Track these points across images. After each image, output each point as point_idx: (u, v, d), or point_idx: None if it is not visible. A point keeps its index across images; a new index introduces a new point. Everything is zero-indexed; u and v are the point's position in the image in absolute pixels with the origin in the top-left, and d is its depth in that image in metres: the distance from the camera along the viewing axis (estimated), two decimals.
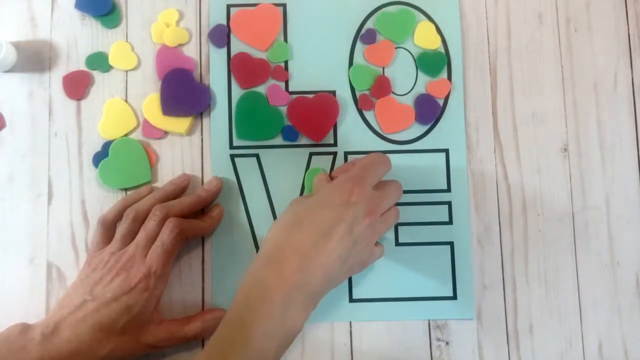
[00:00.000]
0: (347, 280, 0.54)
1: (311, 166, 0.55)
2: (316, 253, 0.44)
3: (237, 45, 0.56)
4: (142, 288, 0.47)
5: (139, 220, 0.50)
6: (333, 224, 0.45)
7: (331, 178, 0.52)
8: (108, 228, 0.52)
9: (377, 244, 0.50)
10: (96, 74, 0.55)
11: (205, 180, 0.55)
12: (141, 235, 0.49)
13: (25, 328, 0.46)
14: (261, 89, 0.56)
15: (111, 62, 0.55)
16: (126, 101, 0.55)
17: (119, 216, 0.52)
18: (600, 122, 0.56)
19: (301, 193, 0.55)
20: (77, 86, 0.55)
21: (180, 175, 0.54)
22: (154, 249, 0.49)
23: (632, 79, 0.57)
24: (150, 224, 0.50)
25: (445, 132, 0.56)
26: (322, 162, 0.55)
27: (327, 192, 0.47)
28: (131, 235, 0.50)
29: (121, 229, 0.50)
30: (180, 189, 0.53)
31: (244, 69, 0.56)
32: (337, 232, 0.45)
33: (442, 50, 0.57)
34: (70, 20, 0.56)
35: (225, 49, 0.56)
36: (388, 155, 0.55)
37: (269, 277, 0.44)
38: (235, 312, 0.44)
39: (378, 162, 0.50)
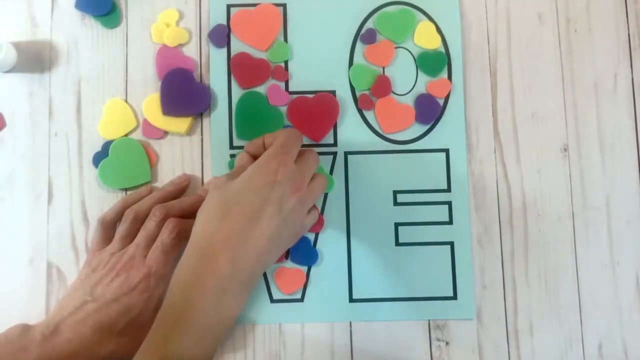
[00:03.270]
0: (347, 280, 0.54)
1: None
2: (246, 240, 0.44)
3: (237, 45, 0.56)
4: (142, 289, 0.47)
5: (139, 221, 0.50)
6: (260, 207, 0.45)
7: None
8: (108, 228, 0.52)
9: (308, 211, 0.51)
10: (96, 74, 0.55)
11: (205, 181, 0.55)
12: (141, 236, 0.49)
13: (25, 329, 0.46)
14: (261, 89, 0.56)
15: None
16: (126, 101, 0.55)
17: (118, 216, 0.52)
18: (601, 122, 0.56)
19: None
20: None
21: (181, 176, 0.54)
22: (154, 249, 0.49)
23: (632, 79, 0.57)
24: (150, 225, 0.50)
25: (446, 132, 0.56)
26: (322, 162, 0.55)
27: (251, 173, 0.47)
28: (131, 235, 0.50)
29: (121, 229, 0.50)
30: (180, 190, 0.53)
31: (244, 69, 0.56)
32: (266, 214, 0.45)
33: (442, 50, 0.57)
34: (70, 20, 0.56)
35: (225, 49, 0.56)
36: (388, 155, 0.55)
37: (202, 268, 0.44)
38: (172, 301, 0.44)
39: (294, 137, 0.49)
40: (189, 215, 0.51)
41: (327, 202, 0.55)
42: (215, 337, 0.45)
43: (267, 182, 0.46)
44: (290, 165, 0.47)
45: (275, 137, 0.50)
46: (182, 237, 0.50)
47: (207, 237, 0.45)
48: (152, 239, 0.49)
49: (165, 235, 0.49)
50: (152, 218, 0.50)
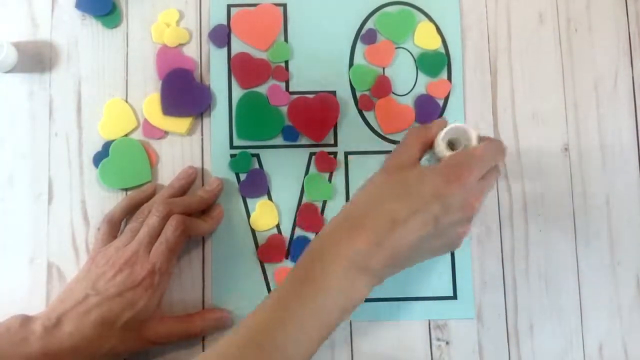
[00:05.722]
0: None
1: (311, 167, 0.55)
2: (391, 236, 0.42)
3: (238, 45, 0.56)
4: (146, 285, 0.47)
5: None
6: (416, 211, 0.42)
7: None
8: (114, 226, 0.52)
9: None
10: (96, 74, 0.55)
11: (205, 181, 0.55)
12: (144, 232, 0.49)
13: (26, 320, 0.46)
14: (261, 89, 0.56)
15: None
16: (126, 101, 0.55)
17: (124, 214, 0.52)
18: (601, 122, 0.56)
19: (301, 194, 0.55)
20: None
21: (186, 169, 0.54)
22: (158, 245, 0.49)
23: (633, 78, 0.57)
24: (152, 220, 0.49)
25: None
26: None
27: (433, 173, 0.43)
28: None
29: (131, 226, 0.50)
30: (188, 183, 0.53)
31: (244, 69, 0.55)
32: (417, 221, 0.42)
33: (442, 51, 0.57)
34: (71, 20, 0.56)
35: (225, 49, 0.56)
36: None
37: (345, 238, 0.42)
38: (306, 260, 0.43)
39: (500, 154, 0.46)
40: (192, 213, 0.52)
41: (328, 202, 0.55)
42: (339, 315, 0.42)
43: (433, 192, 0.42)
44: (469, 181, 0.43)
45: (486, 142, 0.46)
46: (185, 234, 0.50)
47: (360, 211, 0.43)
48: (155, 235, 0.49)
49: (169, 232, 0.49)
50: (154, 214, 0.50)
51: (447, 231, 0.44)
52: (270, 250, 0.54)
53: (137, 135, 0.55)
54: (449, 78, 0.56)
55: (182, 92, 0.55)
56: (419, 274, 0.54)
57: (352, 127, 0.56)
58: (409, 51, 0.57)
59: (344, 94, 0.56)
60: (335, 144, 0.55)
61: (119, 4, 0.56)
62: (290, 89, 0.56)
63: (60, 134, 0.55)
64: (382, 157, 0.55)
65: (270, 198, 0.55)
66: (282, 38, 0.56)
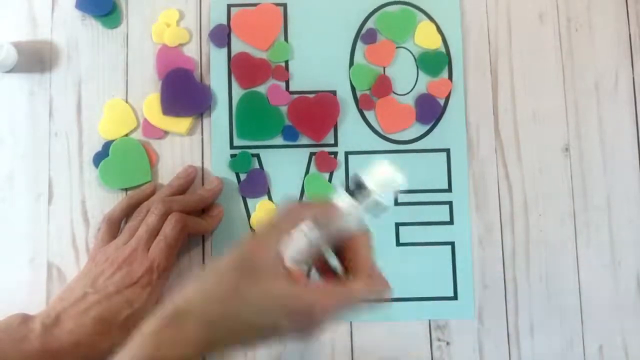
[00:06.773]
0: None
1: (311, 167, 0.55)
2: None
3: (238, 45, 0.56)
4: (145, 282, 0.47)
5: None
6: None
7: None
8: (113, 225, 0.52)
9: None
10: (96, 74, 0.55)
11: (205, 180, 0.55)
12: (142, 230, 0.49)
13: (25, 318, 0.46)
14: (261, 88, 0.56)
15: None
16: (126, 101, 0.55)
17: (124, 214, 0.52)
18: (602, 122, 0.56)
19: (301, 194, 0.55)
20: None
21: (186, 168, 0.54)
22: (157, 243, 0.49)
23: (633, 78, 0.57)
24: (151, 218, 0.49)
25: (446, 132, 0.56)
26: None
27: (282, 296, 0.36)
28: None
29: (130, 225, 0.50)
30: (188, 182, 0.53)
31: (244, 69, 0.55)
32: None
33: (443, 50, 0.57)
34: (71, 21, 0.56)
35: (225, 49, 0.56)
36: (389, 155, 0.55)
37: (170, 332, 0.36)
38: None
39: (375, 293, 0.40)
40: (191, 212, 0.51)
41: None
42: None
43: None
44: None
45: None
46: (185, 232, 0.50)
47: (188, 299, 0.37)
48: (154, 233, 0.49)
49: (168, 229, 0.49)
50: (153, 212, 0.50)
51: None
52: None
53: (137, 135, 0.55)
54: (450, 77, 0.56)
55: (182, 92, 0.54)
56: (419, 274, 0.54)
57: (352, 126, 0.56)
58: (409, 51, 0.57)
59: (344, 94, 0.56)
60: (335, 144, 0.55)
61: (119, 4, 0.56)
62: (290, 89, 0.56)
63: (60, 134, 0.55)
64: (383, 156, 0.55)
65: (270, 198, 0.55)
66: (282, 38, 0.56)
